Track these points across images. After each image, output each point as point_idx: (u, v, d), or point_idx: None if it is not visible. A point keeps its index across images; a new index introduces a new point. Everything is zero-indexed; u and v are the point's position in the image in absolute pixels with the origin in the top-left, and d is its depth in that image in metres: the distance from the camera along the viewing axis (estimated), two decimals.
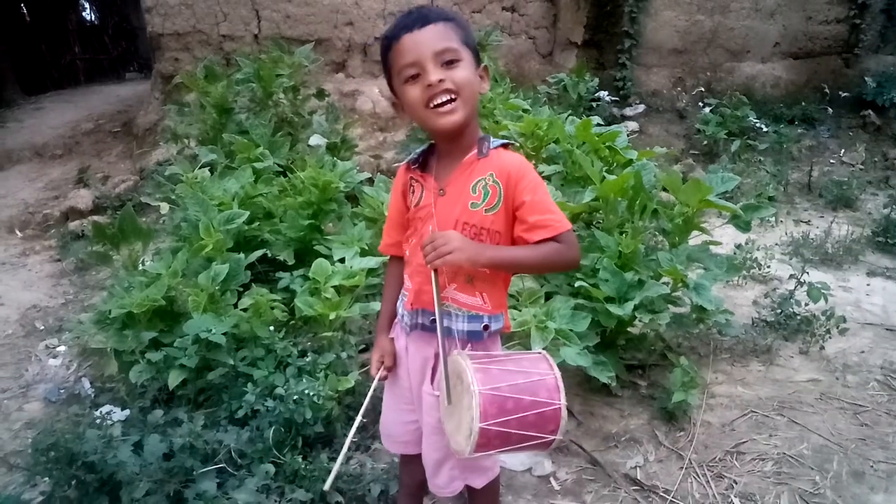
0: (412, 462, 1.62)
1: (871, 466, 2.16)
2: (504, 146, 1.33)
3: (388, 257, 1.56)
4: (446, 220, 1.29)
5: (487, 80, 1.32)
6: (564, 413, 1.21)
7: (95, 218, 4.18)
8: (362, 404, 2.21)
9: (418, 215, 1.35)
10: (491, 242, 1.29)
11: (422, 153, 1.38)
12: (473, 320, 1.34)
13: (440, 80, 1.20)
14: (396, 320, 1.50)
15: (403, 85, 1.24)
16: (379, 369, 1.47)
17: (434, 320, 1.29)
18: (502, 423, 1.14)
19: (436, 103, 1.21)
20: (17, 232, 4.56)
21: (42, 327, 3.16)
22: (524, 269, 1.37)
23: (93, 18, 11.38)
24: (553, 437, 1.21)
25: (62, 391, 2.56)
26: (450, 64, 1.21)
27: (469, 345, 1.34)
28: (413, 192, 1.37)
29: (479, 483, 1.50)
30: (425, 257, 1.23)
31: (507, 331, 1.45)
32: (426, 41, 1.20)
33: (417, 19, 1.22)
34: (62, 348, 2.94)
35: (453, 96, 1.21)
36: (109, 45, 11.20)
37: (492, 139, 1.32)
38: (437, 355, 1.37)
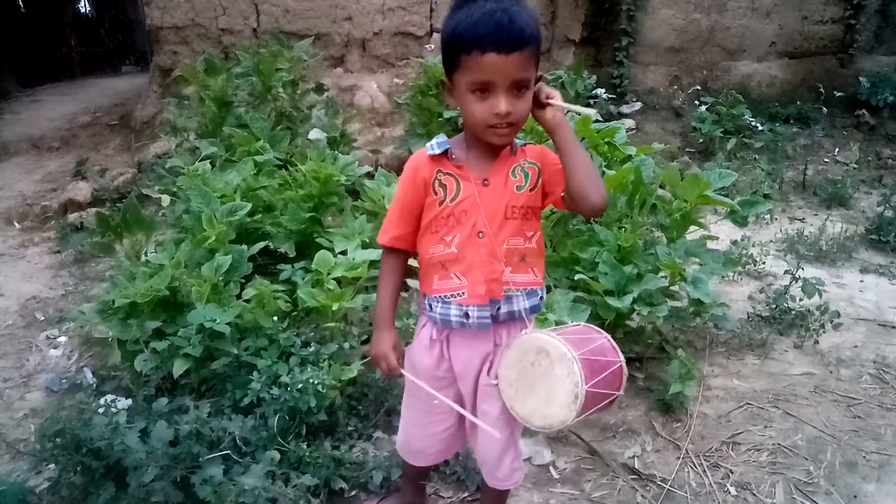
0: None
1: (864, 457, 2.20)
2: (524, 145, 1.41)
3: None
4: (495, 207, 1.32)
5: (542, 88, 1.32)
6: (625, 369, 1.32)
7: (95, 210, 4.18)
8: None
9: (460, 208, 1.33)
10: (535, 219, 1.37)
11: (445, 144, 1.35)
12: (531, 296, 1.39)
13: (507, 113, 1.22)
14: (425, 326, 1.46)
15: (468, 92, 1.25)
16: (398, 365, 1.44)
17: (499, 309, 1.35)
18: (596, 383, 1.22)
19: (494, 125, 1.25)
20: (16, 224, 4.55)
21: (42, 318, 3.17)
22: (580, 162, 1.28)
23: (89, 11, 11.29)
24: (619, 393, 1.30)
25: (64, 381, 2.57)
26: (519, 91, 1.23)
27: (530, 322, 1.39)
28: (444, 187, 1.34)
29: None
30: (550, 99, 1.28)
31: None
32: (510, 68, 1.20)
33: (510, 40, 1.17)
34: (63, 338, 2.95)
35: (512, 124, 1.26)
36: (105, 37, 11.13)
37: (515, 140, 1.38)
38: (496, 345, 1.40)
